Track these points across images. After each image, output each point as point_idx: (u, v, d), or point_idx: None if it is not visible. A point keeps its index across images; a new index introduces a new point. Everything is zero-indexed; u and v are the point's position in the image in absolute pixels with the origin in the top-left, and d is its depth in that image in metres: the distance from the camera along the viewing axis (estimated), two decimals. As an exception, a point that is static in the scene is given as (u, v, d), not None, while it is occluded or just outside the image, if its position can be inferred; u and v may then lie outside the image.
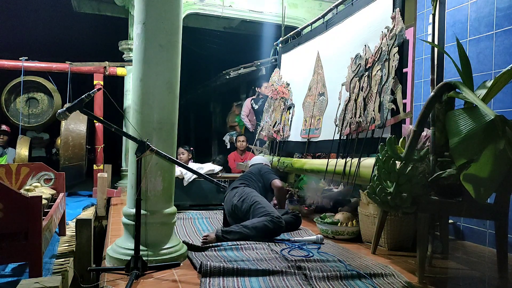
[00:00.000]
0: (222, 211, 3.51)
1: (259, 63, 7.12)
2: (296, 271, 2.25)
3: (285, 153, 4.65)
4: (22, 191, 2.56)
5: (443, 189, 2.26)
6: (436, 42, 2.76)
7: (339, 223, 3.18)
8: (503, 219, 2.24)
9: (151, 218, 2.40)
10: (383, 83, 2.92)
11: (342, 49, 3.70)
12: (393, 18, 2.91)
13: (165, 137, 2.50)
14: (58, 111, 2.13)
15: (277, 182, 3.57)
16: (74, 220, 3.15)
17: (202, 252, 2.62)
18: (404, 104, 2.82)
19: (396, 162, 2.32)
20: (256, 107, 6.65)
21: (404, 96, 2.82)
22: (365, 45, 3.27)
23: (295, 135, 4.42)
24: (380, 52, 3.02)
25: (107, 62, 5.42)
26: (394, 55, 2.83)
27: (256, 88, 6.70)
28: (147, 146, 2.19)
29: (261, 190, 3.56)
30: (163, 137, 2.48)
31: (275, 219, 3.00)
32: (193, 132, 13.60)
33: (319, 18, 4.35)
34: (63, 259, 2.60)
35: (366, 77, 3.16)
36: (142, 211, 2.29)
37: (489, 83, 2.23)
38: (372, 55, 3.12)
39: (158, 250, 2.40)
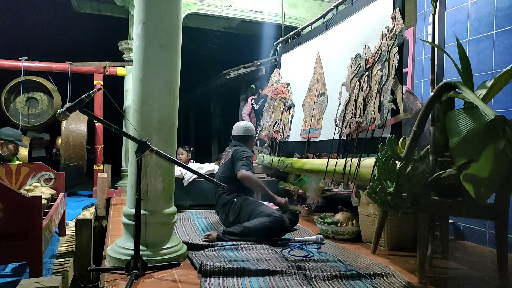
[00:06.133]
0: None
1: (259, 63, 7.13)
2: (296, 271, 2.25)
3: (285, 153, 4.65)
4: (22, 191, 2.56)
5: (443, 189, 2.26)
6: (436, 42, 2.76)
7: (339, 223, 3.18)
8: (503, 219, 2.24)
9: (151, 218, 2.40)
10: (383, 83, 2.92)
11: (342, 49, 3.70)
12: (393, 18, 2.90)
13: (165, 137, 2.50)
14: (58, 111, 2.13)
15: (239, 173, 3.23)
16: (74, 220, 3.15)
17: (202, 252, 2.62)
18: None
19: (396, 162, 2.32)
20: (256, 107, 6.66)
21: (404, 96, 2.82)
22: (365, 45, 3.27)
23: (295, 135, 4.42)
24: (380, 52, 3.02)
25: (107, 62, 5.42)
26: (394, 55, 2.83)
27: (259, 90, 6.69)
28: (147, 146, 2.19)
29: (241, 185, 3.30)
30: (163, 137, 2.48)
31: (278, 218, 2.93)
32: (193, 132, 13.61)
33: (319, 18, 4.36)
34: (63, 259, 2.59)
35: (366, 77, 3.16)
36: (142, 211, 2.29)
37: (489, 83, 2.23)
38: (372, 55, 3.12)
39: (158, 250, 2.40)
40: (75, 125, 5.07)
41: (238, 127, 3.72)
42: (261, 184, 3.34)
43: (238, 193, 3.30)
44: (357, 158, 3.05)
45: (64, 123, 5.00)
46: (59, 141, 5.32)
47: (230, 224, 3.14)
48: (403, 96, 2.83)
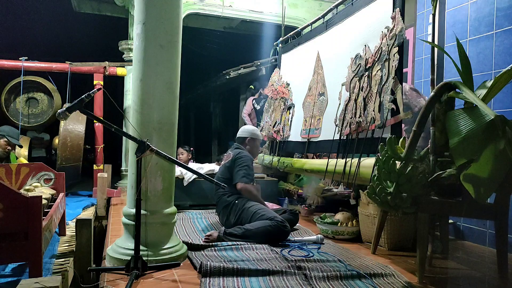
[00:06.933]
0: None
1: (259, 63, 7.13)
2: (296, 271, 2.25)
3: (285, 153, 4.65)
4: (22, 191, 2.56)
5: (443, 189, 2.26)
6: (436, 42, 2.76)
7: (339, 223, 3.18)
8: (503, 219, 2.24)
9: (151, 218, 2.40)
10: (383, 83, 2.92)
11: (342, 49, 3.70)
12: (393, 18, 2.90)
13: (165, 137, 2.50)
14: (58, 111, 2.13)
15: (238, 185, 3.27)
16: (74, 220, 3.16)
17: (202, 252, 2.62)
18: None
19: (396, 162, 2.32)
20: (258, 107, 6.65)
21: (404, 96, 2.82)
22: (365, 45, 3.27)
23: (295, 135, 4.42)
24: (380, 52, 3.02)
25: (107, 62, 5.42)
26: (394, 55, 2.83)
27: (260, 90, 6.69)
28: (147, 146, 2.19)
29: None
30: (163, 137, 2.48)
31: (279, 223, 2.92)
32: (193, 132, 13.61)
33: (319, 18, 4.36)
34: (63, 259, 2.60)
35: (366, 77, 3.16)
36: (142, 211, 2.29)
37: (489, 83, 2.23)
38: (372, 55, 3.12)
39: (158, 250, 2.40)
40: (73, 126, 5.07)
41: (241, 129, 3.76)
42: (260, 200, 3.33)
43: (239, 195, 3.29)
44: (357, 158, 3.05)
45: (62, 123, 4.99)
46: (57, 141, 5.31)
47: (231, 226, 3.13)
48: (407, 93, 2.83)
